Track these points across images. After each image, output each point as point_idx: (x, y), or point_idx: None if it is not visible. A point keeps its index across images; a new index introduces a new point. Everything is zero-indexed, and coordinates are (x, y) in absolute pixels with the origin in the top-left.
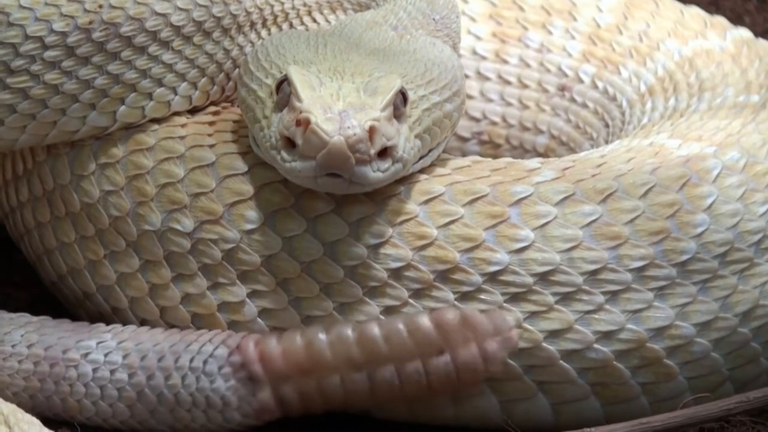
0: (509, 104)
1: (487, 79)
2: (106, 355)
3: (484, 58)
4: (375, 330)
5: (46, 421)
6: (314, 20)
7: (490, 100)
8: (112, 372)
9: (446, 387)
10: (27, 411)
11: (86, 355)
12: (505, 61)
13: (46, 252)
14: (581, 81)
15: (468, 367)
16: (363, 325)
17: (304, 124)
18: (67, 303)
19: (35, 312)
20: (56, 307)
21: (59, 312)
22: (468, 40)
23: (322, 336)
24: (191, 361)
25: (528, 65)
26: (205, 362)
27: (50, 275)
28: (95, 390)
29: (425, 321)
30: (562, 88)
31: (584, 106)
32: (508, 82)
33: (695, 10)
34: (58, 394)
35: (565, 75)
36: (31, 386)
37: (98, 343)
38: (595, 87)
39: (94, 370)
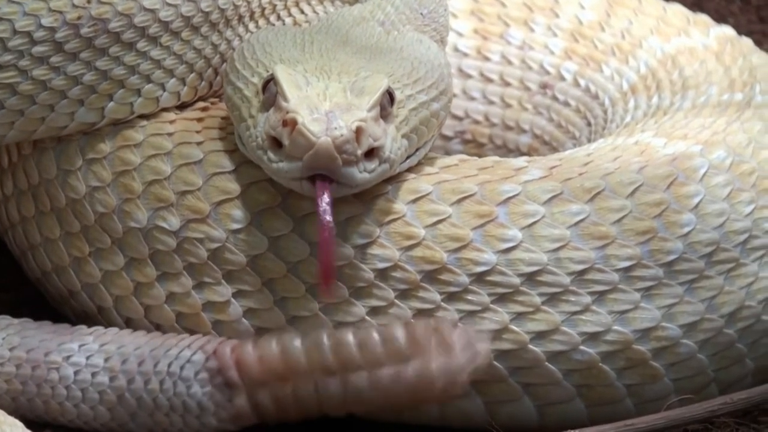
0: (492, 102)
1: (469, 76)
2: (87, 357)
3: (465, 54)
4: (350, 338)
5: (28, 423)
6: (302, 12)
7: (473, 98)
8: (93, 375)
9: (414, 399)
10: (10, 413)
11: (68, 357)
12: (487, 59)
13: (30, 248)
14: (563, 79)
15: (431, 381)
16: (338, 333)
17: (290, 124)
18: (51, 300)
19: (17, 314)
20: (38, 309)
21: (41, 314)
22: (450, 36)
23: (297, 343)
24: (169, 366)
25: (510, 62)
26: (182, 367)
27: (34, 271)
28: (76, 393)
29: (399, 333)
30: (544, 86)
31: (566, 104)
32: (490, 80)
33: (678, 8)
34: (40, 397)
35: (547, 73)
36: (13, 389)
37: (80, 346)
38: (577, 85)
39: (76, 373)
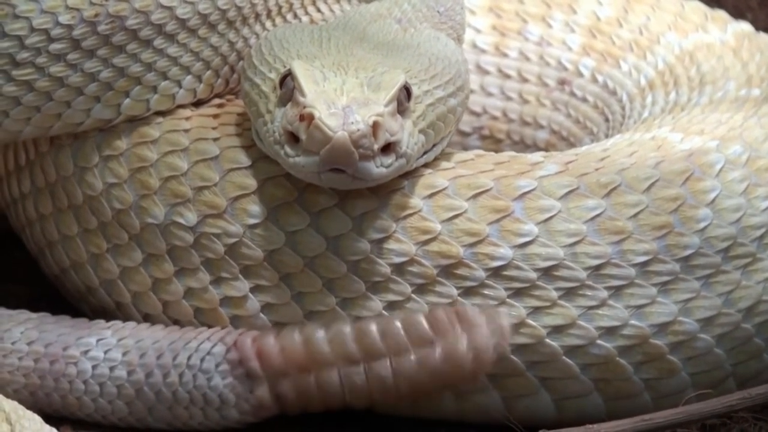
0: (509, 99)
1: (487, 72)
2: (105, 352)
3: (483, 51)
4: (372, 327)
5: (46, 418)
6: (318, 10)
7: (491, 95)
8: (111, 369)
9: (441, 383)
10: (28, 408)
11: (86, 352)
12: (505, 55)
13: (48, 245)
14: (581, 75)
15: (460, 360)
16: (360, 323)
17: (307, 119)
18: (69, 297)
19: (35, 308)
20: (56, 303)
21: (59, 308)
22: (468, 33)
23: (320, 333)
24: (189, 358)
25: (528, 59)
26: (202, 360)
27: (52, 268)
28: (94, 387)
29: (421, 319)
30: (562, 82)
31: (584, 100)
32: (508, 76)
33: (696, 4)
34: (58, 391)
35: (565, 69)
36: (31, 383)
37: (98, 340)
38: (595, 81)
39: (94, 367)
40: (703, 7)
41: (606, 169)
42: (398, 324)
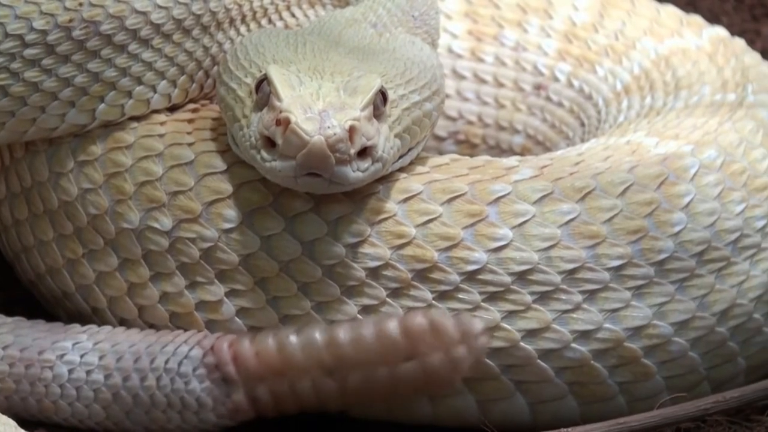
0: (485, 103)
1: (463, 77)
2: (81, 356)
3: (459, 56)
4: (343, 334)
5: (22, 422)
6: (293, 15)
7: (467, 99)
8: (87, 373)
9: (414, 391)
10: (3, 412)
11: (62, 356)
12: (481, 60)
13: (24, 250)
14: (557, 80)
15: (434, 373)
16: (332, 329)
17: (284, 123)
18: (45, 302)
19: (10, 313)
20: (31, 308)
21: (35, 314)
22: (444, 38)
23: (293, 338)
24: (166, 362)
25: (504, 64)
26: (180, 363)
27: (28, 274)
28: (71, 391)
29: (393, 326)
30: (538, 87)
31: (560, 105)
32: (484, 81)
33: (671, 9)
34: (34, 395)
35: (541, 74)
36: (6, 387)
37: (74, 344)
38: (571, 86)
39: (70, 371)
40: (678, 12)
41: (581, 174)
42: (371, 331)
